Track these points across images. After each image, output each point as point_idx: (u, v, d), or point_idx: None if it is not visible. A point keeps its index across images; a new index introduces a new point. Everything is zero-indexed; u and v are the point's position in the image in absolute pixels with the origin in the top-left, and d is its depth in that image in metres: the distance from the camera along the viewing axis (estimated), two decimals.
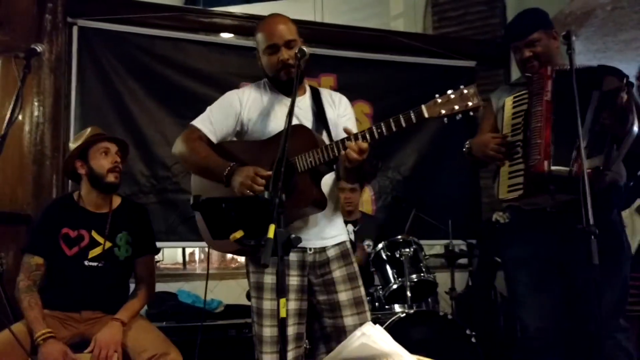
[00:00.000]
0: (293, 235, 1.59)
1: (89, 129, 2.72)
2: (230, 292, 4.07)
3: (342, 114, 2.26)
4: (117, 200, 2.74)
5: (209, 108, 2.25)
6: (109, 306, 2.54)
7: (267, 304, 2.10)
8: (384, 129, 1.86)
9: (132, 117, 4.04)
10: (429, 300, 3.62)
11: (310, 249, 2.14)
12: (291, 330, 2.07)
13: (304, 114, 2.19)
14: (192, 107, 4.13)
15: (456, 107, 1.82)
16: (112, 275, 2.61)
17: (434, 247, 4.63)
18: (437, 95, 1.85)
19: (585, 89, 2.09)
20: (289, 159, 1.97)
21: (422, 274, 3.38)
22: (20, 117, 3.60)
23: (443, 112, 1.83)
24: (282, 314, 1.53)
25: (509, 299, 2.48)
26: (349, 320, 2.10)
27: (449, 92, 1.85)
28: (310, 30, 4.36)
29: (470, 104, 1.82)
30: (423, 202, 4.42)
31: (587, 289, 2.14)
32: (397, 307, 3.38)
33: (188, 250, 5.29)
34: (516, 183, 2.28)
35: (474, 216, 4.69)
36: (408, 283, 3.28)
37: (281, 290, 1.55)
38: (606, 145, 2.13)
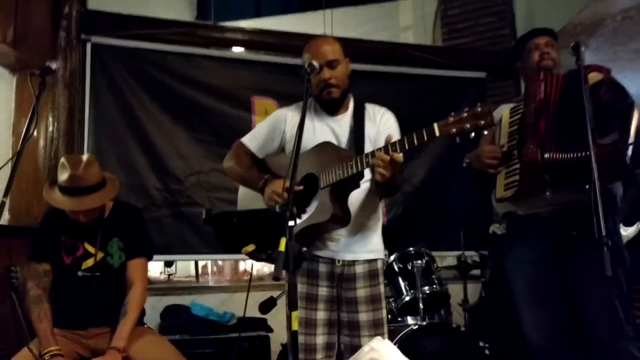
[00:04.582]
0: (304, 249, 1.60)
1: (75, 167, 2.42)
2: (243, 305, 4.07)
3: (382, 130, 2.25)
4: (108, 206, 2.65)
5: (258, 124, 2.38)
6: (113, 318, 2.47)
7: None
8: (398, 147, 1.88)
9: (145, 131, 4.08)
10: (442, 312, 3.60)
11: (338, 261, 2.17)
12: (320, 340, 2.13)
13: (342, 132, 2.22)
14: (204, 120, 4.19)
15: (467, 126, 1.80)
16: (109, 286, 2.55)
17: (446, 258, 4.61)
18: (452, 114, 1.84)
19: (576, 87, 2.09)
20: (316, 175, 2.05)
21: (434, 286, 3.37)
22: (35, 132, 3.65)
23: (454, 130, 1.81)
24: (294, 326, 1.54)
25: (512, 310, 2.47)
26: (365, 341, 2.10)
27: (465, 109, 1.83)
28: None
29: (482, 122, 1.80)
30: (435, 213, 4.41)
31: (592, 300, 2.16)
32: (409, 319, 3.37)
33: (201, 263, 5.31)
34: (512, 181, 2.29)
35: (485, 227, 4.65)
36: (420, 295, 3.27)
37: (293, 303, 1.56)
38: (615, 122, 2.12)
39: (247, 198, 2.28)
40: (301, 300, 2.13)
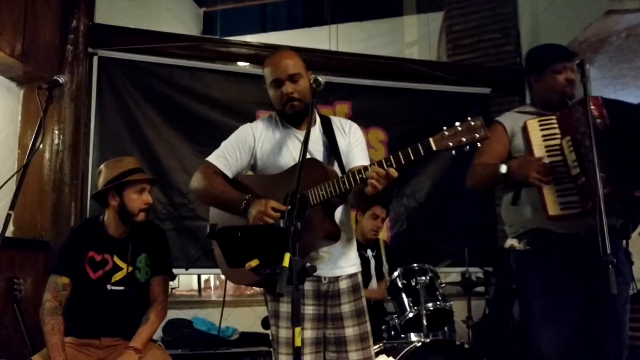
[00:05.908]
0: (308, 264, 1.59)
1: (125, 159, 2.71)
2: (245, 320, 4.07)
3: (353, 142, 2.26)
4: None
5: (223, 143, 2.27)
6: (129, 331, 2.54)
7: (283, 332, 2.12)
8: (393, 162, 1.86)
9: (150, 145, 4.10)
10: (446, 329, 3.58)
11: (324, 278, 2.15)
12: (308, 359, 2.09)
13: (314, 146, 2.20)
14: (208, 134, 4.20)
15: (463, 139, 1.82)
16: (133, 299, 2.62)
17: (450, 274, 4.59)
18: (444, 128, 1.85)
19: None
20: (302, 192, 1.98)
21: (438, 303, 3.35)
22: (41, 145, 3.67)
23: (451, 144, 1.83)
24: (297, 342, 1.53)
25: (524, 324, 2.47)
26: (353, 355, 2.11)
27: (457, 124, 1.85)
28: (325, 59, 4.42)
29: (477, 135, 1.82)
30: (439, 229, 4.40)
31: (607, 317, 2.20)
32: (413, 336, 3.33)
33: (203, 277, 5.32)
34: (570, 201, 2.28)
35: (490, 243, 4.65)
36: (424, 312, 3.25)
37: (296, 319, 1.55)
38: None
39: (218, 219, 2.22)
40: (287, 321, 2.09)
